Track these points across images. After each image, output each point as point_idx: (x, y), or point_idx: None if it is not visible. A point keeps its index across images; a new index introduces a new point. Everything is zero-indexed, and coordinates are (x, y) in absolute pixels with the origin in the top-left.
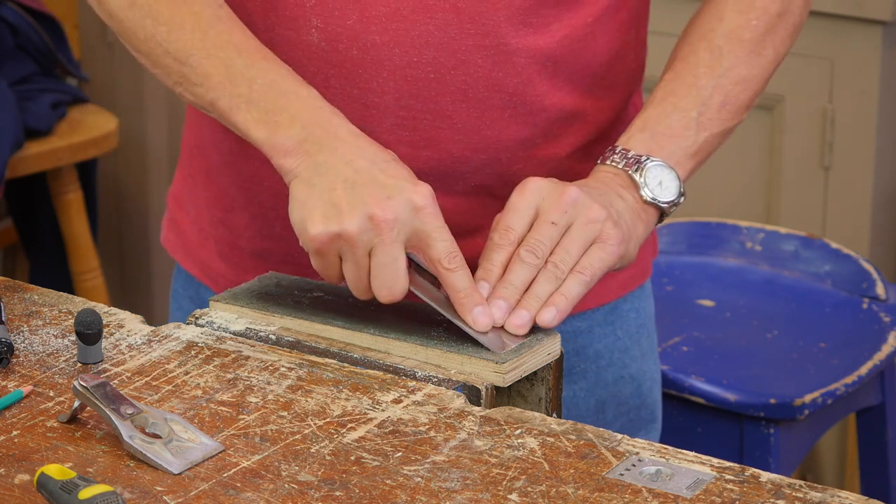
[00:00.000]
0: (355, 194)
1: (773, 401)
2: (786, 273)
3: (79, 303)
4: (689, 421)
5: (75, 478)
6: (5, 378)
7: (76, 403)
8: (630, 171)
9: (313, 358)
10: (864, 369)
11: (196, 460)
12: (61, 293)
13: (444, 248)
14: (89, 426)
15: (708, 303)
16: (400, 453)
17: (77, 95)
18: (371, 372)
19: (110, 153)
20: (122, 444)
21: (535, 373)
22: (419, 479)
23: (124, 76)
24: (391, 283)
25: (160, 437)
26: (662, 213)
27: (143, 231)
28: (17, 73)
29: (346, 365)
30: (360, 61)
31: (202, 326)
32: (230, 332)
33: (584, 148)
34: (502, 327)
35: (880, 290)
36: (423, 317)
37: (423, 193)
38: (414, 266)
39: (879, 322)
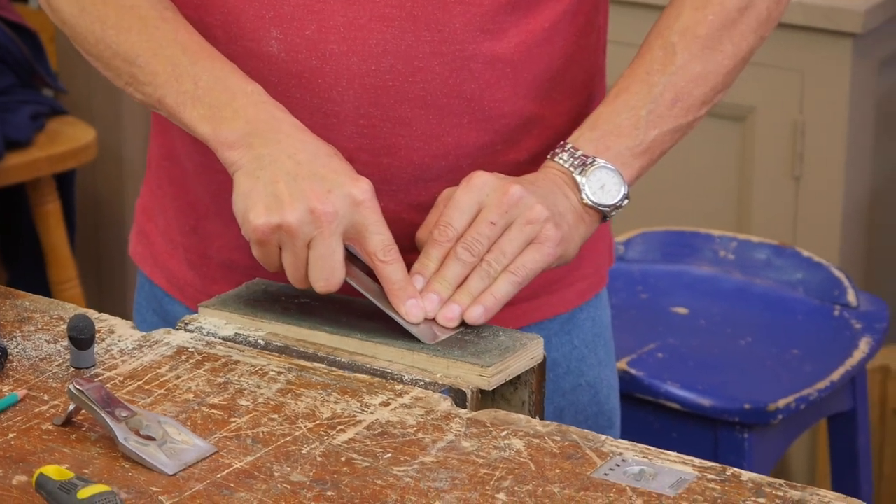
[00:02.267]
0: (297, 187)
1: (747, 406)
2: (758, 281)
3: (70, 309)
4: (664, 426)
5: (73, 478)
6: (0, 382)
7: (71, 406)
8: (575, 174)
9: (302, 362)
10: (836, 375)
11: (190, 461)
12: (52, 300)
13: (380, 241)
14: (84, 429)
15: (682, 310)
16: (389, 454)
17: (55, 107)
18: (359, 376)
19: (88, 164)
20: (118, 446)
21: (518, 377)
22: (409, 479)
23: (101, 88)
24: (328, 275)
25: (154, 440)
26: (605, 217)
27: (120, 241)
28: None
29: (334, 369)
30: (320, 70)
31: (192, 332)
32: (219, 338)
33: (545, 152)
34: (434, 320)
35: (851, 297)
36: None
37: (362, 188)
38: (351, 258)
39: (851, 329)
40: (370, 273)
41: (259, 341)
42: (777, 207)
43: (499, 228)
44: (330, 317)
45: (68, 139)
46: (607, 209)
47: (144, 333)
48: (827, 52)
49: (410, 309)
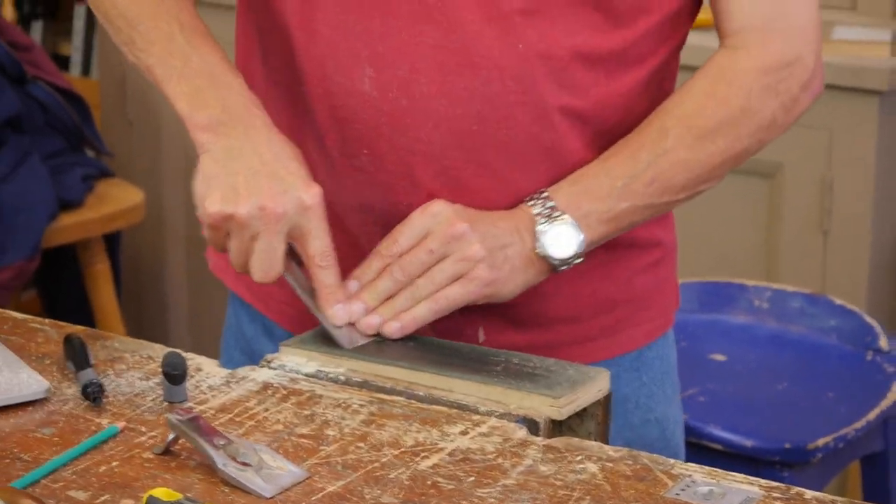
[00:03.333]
0: (254, 183)
1: (787, 445)
2: (792, 328)
3: (157, 349)
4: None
5: (182, 499)
6: (99, 416)
7: (170, 436)
8: (537, 223)
9: (382, 395)
10: (871, 415)
11: (286, 485)
12: (139, 341)
13: (319, 246)
14: (182, 457)
15: (720, 357)
16: (472, 478)
17: (104, 169)
18: (437, 407)
19: (130, 227)
20: (217, 472)
21: (584, 409)
22: (493, 500)
23: (143, 151)
24: (266, 268)
25: (251, 465)
26: (555, 269)
27: (161, 302)
28: (48, 149)
29: (413, 401)
30: (409, 110)
31: (275, 369)
32: (302, 374)
33: None
34: (354, 325)
35: (883, 343)
36: (481, 357)
37: (313, 194)
38: (293, 257)
39: (883, 372)
40: (307, 274)
41: (340, 377)
42: (806, 260)
43: (436, 257)
44: (405, 353)
45: (117, 200)
46: (556, 262)
47: (231, 371)
48: (854, 110)
49: (336, 312)
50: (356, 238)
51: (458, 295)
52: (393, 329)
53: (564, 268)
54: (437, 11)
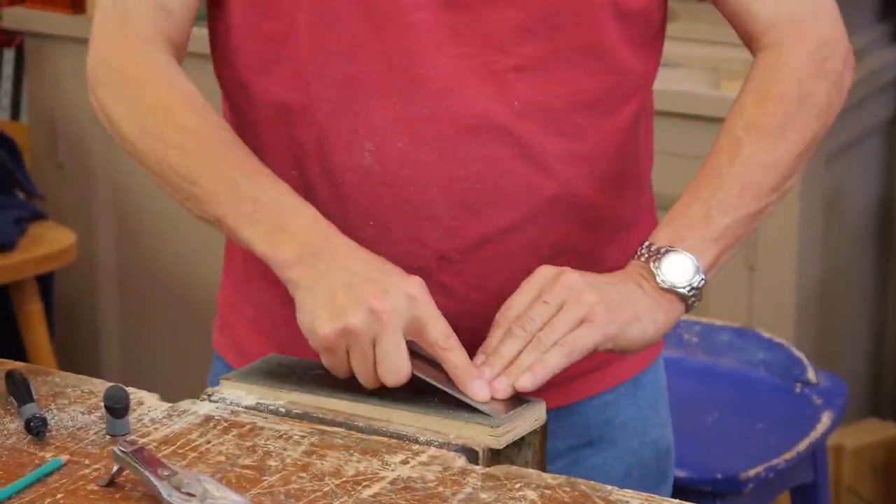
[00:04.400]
0: (355, 293)
1: (719, 476)
2: (722, 361)
3: (98, 383)
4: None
5: None
6: (42, 449)
7: (115, 468)
8: (650, 263)
9: (322, 427)
10: (801, 445)
11: None
12: (80, 376)
13: (439, 331)
14: (127, 488)
15: None
16: None
17: (36, 212)
18: (377, 437)
19: (63, 268)
20: (161, 503)
21: (522, 438)
22: None
23: (74, 193)
24: (396, 368)
25: (195, 496)
26: (686, 299)
27: (94, 341)
28: None
29: (353, 432)
30: (412, 179)
31: (215, 402)
32: (242, 407)
33: (619, 244)
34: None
35: (811, 375)
36: (419, 388)
37: (415, 285)
38: (413, 353)
39: (812, 404)
40: (432, 363)
41: (280, 409)
42: (733, 295)
43: (552, 308)
44: (344, 386)
45: (49, 242)
46: (683, 290)
47: (171, 404)
48: None
49: (477, 390)
50: None
51: (584, 336)
52: (524, 382)
53: (693, 295)
54: (430, 81)
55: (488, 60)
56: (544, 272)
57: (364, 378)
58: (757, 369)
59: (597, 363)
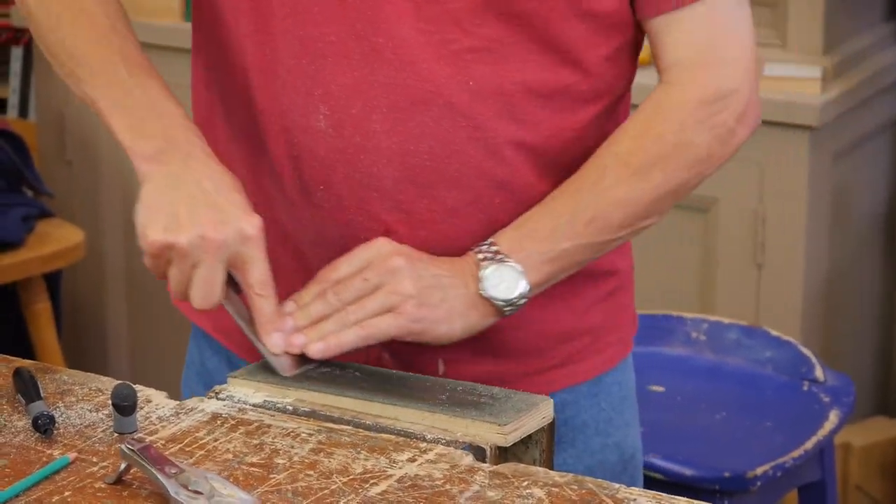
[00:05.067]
0: (195, 213)
1: (726, 474)
2: (729, 360)
3: (106, 381)
4: (651, 491)
5: None
6: (50, 447)
7: (122, 466)
8: (482, 267)
9: (330, 424)
10: (809, 444)
11: None
12: (88, 373)
13: (258, 275)
14: (134, 486)
15: (659, 388)
16: None
17: (43, 210)
18: (384, 436)
19: (71, 266)
20: (169, 500)
21: (529, 436)
22: None
23: (82, 191)
24: (206, 295)
25: (202, 494)
26: (502, 312)
27: (102, 339)
28: None
29: (360, 430)
30: (363, 147)
31: (223, 400)
32: (250, 405)
33: None
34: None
35: (819, 373)
36: (427, 386)
37: (253, 224)
38: (233, 285)
39: (820, 402)
40: (245, 302)
41: (288, 407)
42: (740, 293)
43: (370, 286)
44: (352, 384)
45: (57, 240)
46: (501, 303)
47: (179, 402)
48: (785, 145)
49: (274, 340)
50: (315, 273)
51: (386, 326)
52: (316, 349)
53: (509, 310)
54: (389, 51)
55: (447, 38)
56: (379, 246)
57: (175, 292)
58: (764, 367)
59: (556, 363)
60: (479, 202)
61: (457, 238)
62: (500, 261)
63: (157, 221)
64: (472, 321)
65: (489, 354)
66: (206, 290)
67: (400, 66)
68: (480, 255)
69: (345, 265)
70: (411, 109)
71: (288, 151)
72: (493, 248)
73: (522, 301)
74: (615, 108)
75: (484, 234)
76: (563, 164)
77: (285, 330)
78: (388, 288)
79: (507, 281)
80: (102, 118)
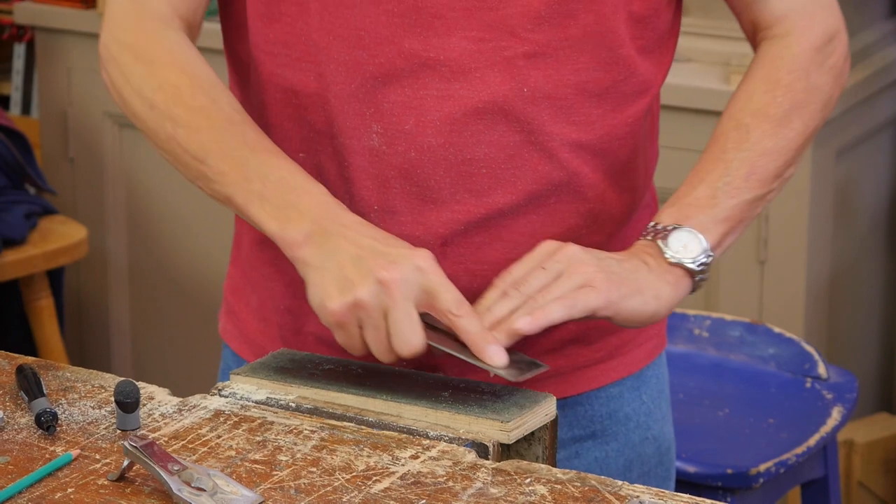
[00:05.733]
0: (363, 265)
1: (729, 471)
2: (732, 357)
3: (108, 378)
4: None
5: None
6: (53, 444)
7: (125, 462)
8: (657, 240)
9: (332, 422)
10: (812, 441)
11: None
12: (91, 370)
13: (451, 299)
14: (137, 483)
15: None
16: (424, 501)
17: (46, 207)
18: (387, 432)
19: (74, 263)
20: (172, 497)
21: (532, 433)
22: None
23: (85, 188)
24: (409, 338)
25: (205, 490)
26: (694, 274)
27: (105, 337)
28: None
29: (363, 427)
30: (418, 161)
31: (226, 397)
32: (253, 402)
33: (623, 234)
34: (513, 363)
35: (822, 370)
36: (430, 383)
37: (424, 256)
38: (427, 325)
39: (823, 399)
40: (446, 333)
41: (290, 404)
42: (743, 289)
43: (550, 274)
44: (354, 381)
45: (60, 237)
46: (691, 264)
47: (182, 399)
48: None
49: (493, 356)
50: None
51: (587, 297)
52: (523, 323)
53: (703, 273)
54: (440, 64)
55: (500, 45)
56: (546, 245)
57: (379, 351)
58: (767, 364)
59: (603, 355)
60: (534, 204)
61: (512, 245)
62: (674, 230)
63: (331, 291)
64: (663, 293)
65: (539, 352)
66: (406, 332)
67: (452, 77)
68: (649, 236)
69: (518, 268)
70: (464, 120)
71: (341, 173)
72: (660, 226)
73: (709, 260)
74: (654, 104)
75: (539, 236)
76: (617, 160)
77: (498, 342)
78: (571, 269)
79: (688, 242)
80: (243, 214)
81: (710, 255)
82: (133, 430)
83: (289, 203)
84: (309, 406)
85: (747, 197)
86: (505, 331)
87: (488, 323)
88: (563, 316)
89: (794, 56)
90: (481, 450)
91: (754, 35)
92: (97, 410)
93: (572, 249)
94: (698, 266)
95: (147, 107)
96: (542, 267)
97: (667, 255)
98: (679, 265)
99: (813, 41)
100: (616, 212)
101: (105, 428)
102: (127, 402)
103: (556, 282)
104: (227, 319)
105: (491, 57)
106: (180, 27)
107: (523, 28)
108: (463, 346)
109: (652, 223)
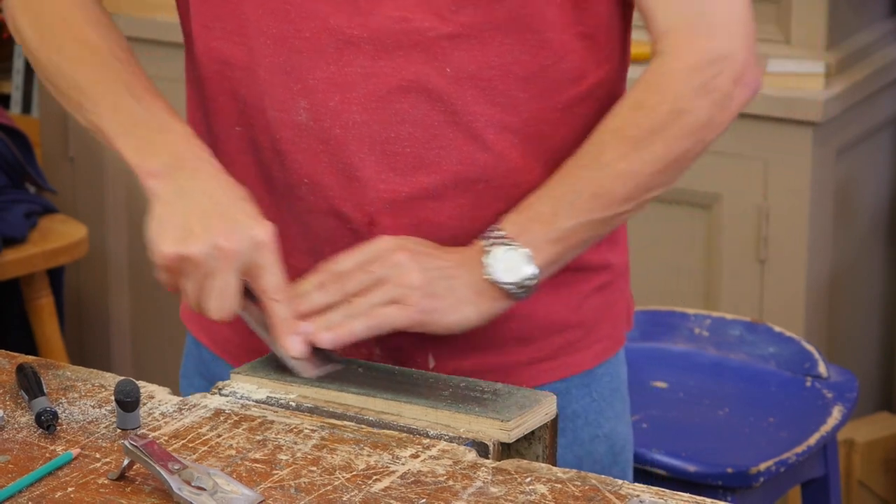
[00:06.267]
0: (207, 223)
1: (729, 470)
2: (732, 356)
3: (109, 377)
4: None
5: None
6: (53, 443)
7: (125, 461)
8: (486, 253)
9: (333, 421)
10: (812, 440)
11: None
12: (91, 369)
13: (273, 281)
14: (137, 482)
15: (662, 384)
16: (424, 500)
17: (47, 206)
18: (387, 431)
19: (74, 262)
20: (172, 496)
21: (532, 433)
22: None
23: (86, 187)
24: (221, 304)
25: (205, 490)
26: (509, 294)
27: (105, 336)
28: None
29: (363, 426)
30: (343, 138)
31: (226, 396)
32: (253, 401)
33: None
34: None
35: (822, 369)
36: (430, 382)
37: (265, 231)
38: (248, 294)
39: (823, 398)
40: (261, 309)
41: (290, 403)
42: (744, 288)
43: (373, 279)
44: (354, 380)
45: (60, 236)
46: (508, 287)
47: (183, 398)
48: (788, 141)
49: (292, 343)
50: (302, 272)
51: (394, 316)
52: (326, 338)
53: (519, 294)
54: (364, 42)
55: (423, 26)
56: (382, 242)
57: (191, 304)
58: (767, 363)
59: (547, 354)
60: (462, 186)
61: (441, 224)
62: (505, 244)
63: (169, 234)
64: (482, 308)
65: (480, 346)
66: (222, 299)
67: (375, 55)
68: (486, 242)
69: (347, 259)
70: (388, 97)
71: (273, 147)
72: (500, 233)
73: (532, 283)
74: (605, 94)
75: (469, 219)
76: (549, 147)
77: (302, 333)
78: (394, 281)
79: (512, 264)
80: (110, 144)
81: (533, 281)
82: (133, 429)
83: (153, 136)
84: (309, 405)
85: (589, 218)
86: (305, 337)
87: (303, 310)
88: (366, 333)
89: (667, 76)
90: (481, 449)
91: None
92: (97, 409)
93: (402, 257)
94: (512, 287)
95: (38, 38)
96: (367, 269)
97: (485, 273)
98: (496, 285)
99: (690, 61)
100: None
101: (105, 427)
102: (127, 402)
103: (372, 290)
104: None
105: (414, 37)
106: None
107: (447, 9)
108: (268, 327)
109: (496, 226)
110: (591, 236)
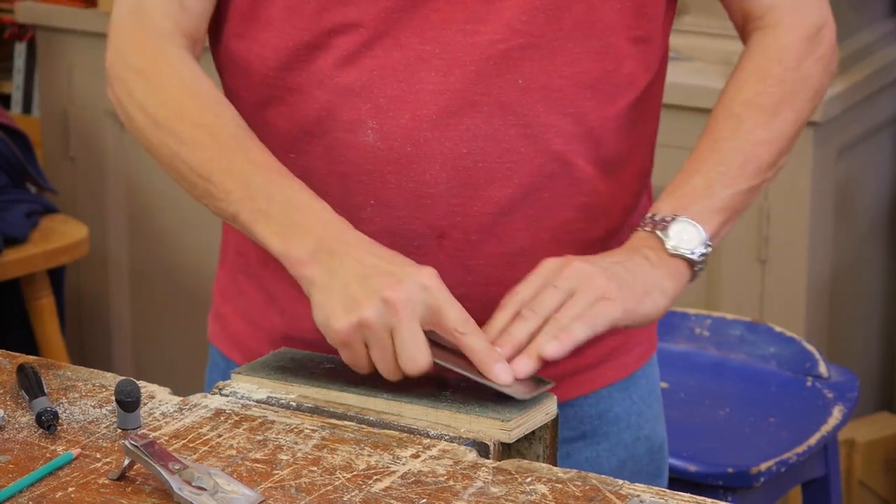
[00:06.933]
0: (368, 285)
1: (730, 470)
2: (733, 356)
3: (109, 377)
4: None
5: None
6: (53, 443)
7: (126, 461)
8: (657, 231)
9: (333, 421)
10: (813, 439)
11: None
12: (92, 369)
13: (456, 316)
14: (138, 482)
15: (662, 384)
16: (424, 500)
17: (48, 206)
18: (388, 432)
19: (75, 262)
20: (173, 496)
21: (532, 432)
22: None
23: (86, 187)
24: (415, 356)
25: (206, 490)
26: (694, 264)
27: (106, 336)
28: None
29: (364, 426)
30: (414, 156)
31: (227, 396)
32: (253, 401)
33: (619, 229)
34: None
35: (822, 369)
36: (430, 382)
37: (428, 274)
38: (432, 342)
39: (823, 398)
40: (453, 351)
41: (291, 403)
42: (744, 288)
43: (561, 292)
44: (355, 380)
45: (61, 236)
46: (690, 254)
47: (183, 398)
48: None
49: (499, 373)
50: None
51: (608, 310)
52: (552, 348)
53: (702, 266)
54: (435, 58)
55: (495, 38)
56: (549, 262)
57: (385, 370)
58: (768, 363)
59: (591, 362)
60: (531, 197)
61: (510, 236)
62: (673, 220)
63: (336, 310)
64: (668, 287)
65: None
66: (412, 350)
67: (447, 70)
68: (647, 227)
69: (525, 287)
70: (460, 113)
71: (331, 170)
72: (658, 217)
73: (708, 250)
74: (651, 98)
75: (535, 229)
76: (606, 153)
77: (504, 359)
78: (583, 286)
79: (688, 233)
80: (248, 232)
81: (708, 246)
82: (134, 429)
83: (293, 221)
84: (310, 405)
85: (742, 187)
86: (533, 357)
87: (510, 348)
88: (588, 335)
89: (783, 46)
90: (482, 449)
91: (744, 26)
92: (98, 409)
93: (578, 264)
94: (698, 256)
95: (151, 124)
96: (553, 285)
97: (668, 247)
98: (679, 256)
99: (802, 31)
100: (611, 207)
101: (106, 427)
102: (128, 401)
103: (572, 300)
104: (214, 322)
105: (485, 51)
106: (183, 44)
107: (518, 20)
108: (469, 364)
109: (650, 214)
110: (743, 206)
